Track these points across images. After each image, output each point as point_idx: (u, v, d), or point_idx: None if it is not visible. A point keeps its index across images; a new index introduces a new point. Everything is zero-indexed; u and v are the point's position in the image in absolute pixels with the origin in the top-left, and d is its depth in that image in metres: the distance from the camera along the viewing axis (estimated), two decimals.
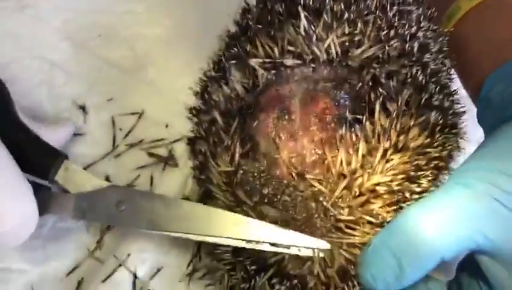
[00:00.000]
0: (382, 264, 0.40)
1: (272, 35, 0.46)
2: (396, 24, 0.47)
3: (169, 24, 0.64)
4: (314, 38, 0.45)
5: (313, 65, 0.46)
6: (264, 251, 0.44)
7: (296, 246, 0.43)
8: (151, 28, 0.64)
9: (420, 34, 0.48)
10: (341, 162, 0.43)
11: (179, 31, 0.64)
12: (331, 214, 0.42)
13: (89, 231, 0.54)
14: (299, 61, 0.46)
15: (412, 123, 0.44)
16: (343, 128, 0.44)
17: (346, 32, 0.45)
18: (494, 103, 0.47)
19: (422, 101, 0.45)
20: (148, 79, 0.61)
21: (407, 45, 0.46)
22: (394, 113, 0.44)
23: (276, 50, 0.46)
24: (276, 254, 0.44)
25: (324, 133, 0.45)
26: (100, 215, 0.47)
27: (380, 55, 0.46)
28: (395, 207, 0.42)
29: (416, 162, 0.43)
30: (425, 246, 0.39)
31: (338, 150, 0.44)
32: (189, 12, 0.65)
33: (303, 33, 0.45)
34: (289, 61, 0.46)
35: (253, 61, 0.46)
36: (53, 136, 0.50)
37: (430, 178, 0.44)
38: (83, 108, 0.59)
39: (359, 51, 0.45)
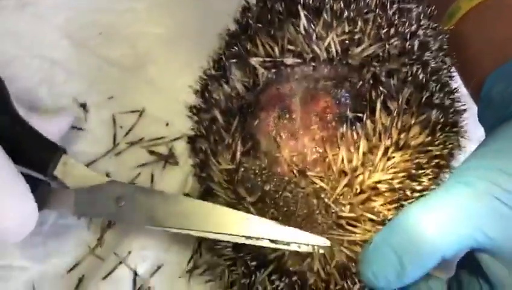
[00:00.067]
0: (383, 262, 0.40)
1: (272, 34, 0.46)
2: (396, 22, 0.47)
3: (170, 23, 0.64)
4: (314, 37, 0.45)
5: (313, 64, 0.46)
6: (264, 247, 0.44)
7: (296, 243, 0.43)
8: (151, 26, 0.64)
9: (420, 32, 0.48)
10: (342, 160, 0.43)
11: (179, 30, 0.64)
12: (333, 210, 0.43)
13: (89, 228, 0.54)
14: (299, 60, 0.46)
15: (412, 121, 0.44)
16: (344, 126, 0.44)
17: (346, 30, 0.45)
18: (494, 102, 0.47)
19: (423, 99, 0.45)
20: (149, 77, 0.61)
21: (408, 43, 0.46)
22: (395, 112, 0.44)
23: (276, 49, 0.46)
24: (276, 250, 0.44)
25: (325, 131, 0.45)
26: (100, 210, 0.47)
27: (380, 54, 0.46)
28: (396, 205, 0.42)
29: (417, 160, 0.43)
30: (426, 244, 0.39)
31: (339, 148, 0.44)
32: (190, 11, 0.65)
33: (303, 32, 0.45)
34: (289, 60, 0.46)
35: (254, 60, 0.46)
36: (50, 127, 0.50)
37: (431, 176, 0.44)
38: (83, 106, 0.59)
39: (359, 49, 0.45)
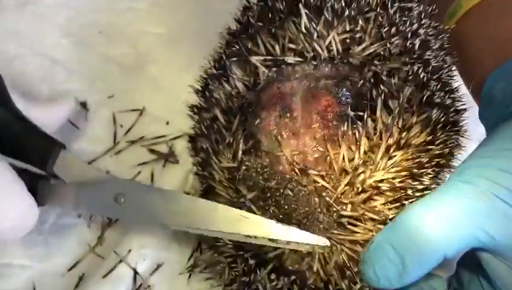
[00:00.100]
0: (385, 261, 0.40)
1: (273, 32, 0.46)
2: (397, 21, 0.47)
3: (171, 22, 0.64)
4: (315, 36, 0.45)
5: (314, 63, 0.46)
6: (264, 245, 0.44)
7: (296, 242, 0.43)
8: (152, 25, 0.64)
9: (421, 31, 0.48)
10: (343, 158, 0.43)
11: (180, 29, 0.64)
12: (334, 209, 0.43)
13: (90, 227, 0.54)
14: (300, 59, 0.46)
15: (413, 120, 0.44)
16: (345, 125, 0.44)
17: (347, 29, 0.45)
18: (495, 100, 0.47)
19: (424, 98, 0.45)
20: (149, 76, 0.61)
21: (408, 42, 0.46)
22: (396, 111, 0.44)
23: (277, 48, 0.46)
24: (275, 248, 0.44)
25: (326, 130, 0.45)
26: (100, 207, 0.47)
27: (381, 53, 0.46)
28: (397, 204, 0.42)
29: (418, 159, 0.43)
30: (427, 243, 0.39)
31: (340, 146, 0.44)
32: (190, 10, 0.65)
33: (304, 31, 0.45)
34: (290, 59, 0.46)
35: (255, 59, 0.46)
36: (51, 114, 0.49)
37: (431, 175, 0.44)
38: (84, 105, 0.59)
39: (360, 48, 0.45)
